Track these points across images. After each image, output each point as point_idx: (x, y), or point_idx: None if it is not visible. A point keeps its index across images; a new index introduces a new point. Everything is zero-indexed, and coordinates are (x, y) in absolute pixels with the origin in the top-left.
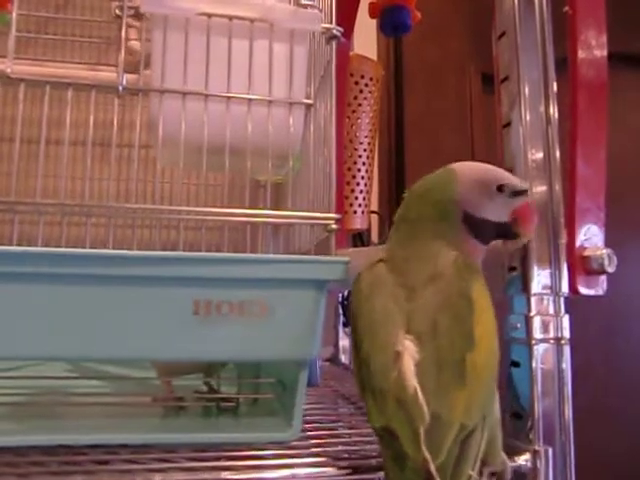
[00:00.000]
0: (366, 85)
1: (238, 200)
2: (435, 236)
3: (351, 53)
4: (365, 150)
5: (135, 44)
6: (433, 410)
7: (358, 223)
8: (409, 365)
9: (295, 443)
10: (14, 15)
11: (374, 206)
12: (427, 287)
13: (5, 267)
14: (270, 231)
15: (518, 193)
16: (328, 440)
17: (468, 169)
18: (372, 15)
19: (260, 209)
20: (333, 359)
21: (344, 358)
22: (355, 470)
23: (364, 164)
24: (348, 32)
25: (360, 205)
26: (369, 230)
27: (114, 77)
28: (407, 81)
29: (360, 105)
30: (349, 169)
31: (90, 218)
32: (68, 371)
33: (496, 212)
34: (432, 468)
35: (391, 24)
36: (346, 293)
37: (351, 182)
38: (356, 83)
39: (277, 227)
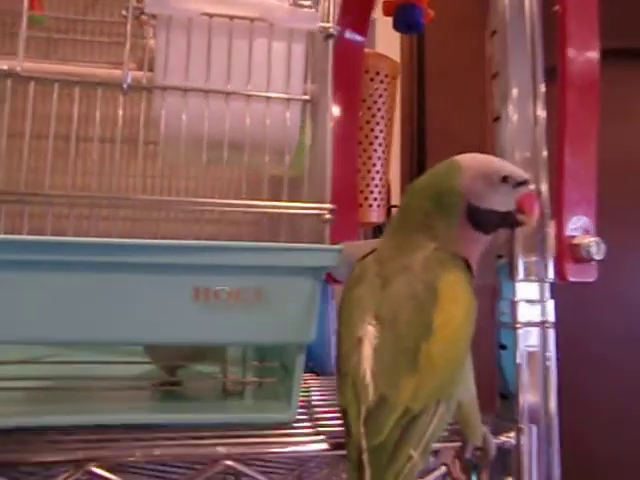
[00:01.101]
0: (381, 82)
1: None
2: (421, 230)
3: (367, 50)
4: (380, 145)
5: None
6: (381, 392)
7: (374, 217)
8: (366, 349)
9: (298, 424)
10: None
11: (396, 200)
12: (398, 277)
13: (22, 255)
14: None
15: (521, 183)
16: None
17: (472, 161)
18: (386, 13)
19: (260, 200)
20: None
21: None
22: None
23: (379, 159)
24: (363, 29)
25: (376, 199)
26: (389, 222)
27: (119, 74)
28: (429, 79)
29: (375, 102)
30: (364, 163)
31: (118, 210)
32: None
33: (501, 202)
34: (363, 445)
35: (404, 22)
36: None
37: (366, 177)
38: (371, 80)
39: (293, 221)
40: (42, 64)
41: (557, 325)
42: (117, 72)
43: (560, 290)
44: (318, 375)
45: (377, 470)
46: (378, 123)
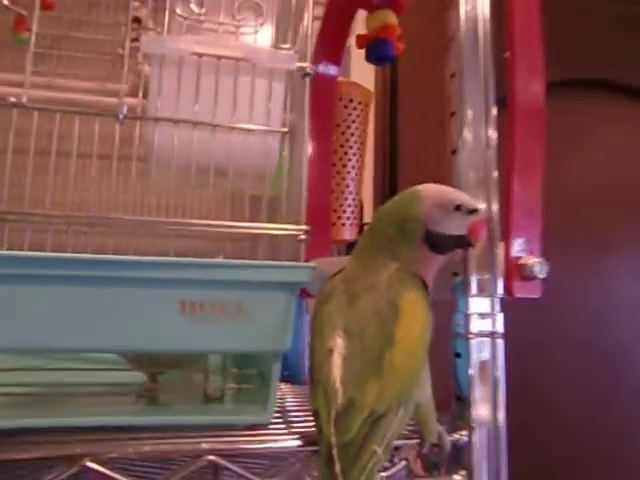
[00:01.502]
0: (355, 109)
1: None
2: (385, 252)
3: (342, 79)
4: (353, 167)
5: (144, 68)
6: (349, 396)
7: (347, 234)
8: (336, 359)
9: (274, 426)
10: (33, 38)
11: (368, 219)
12: (365, 295)
13: (19, 270)
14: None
15: (472, 211)
16: (304, 424)
17: (430, 191)
18: (359, 46)
19: (240, 221)
20: None
21: None
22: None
23: (352, 180)
24: (338, 60)
25: (349, 218)
26: None
27: (116, 103)
28: (401, 106)
29: (348, 127)
30: (338, 184)
31: (94, 227)
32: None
33: (454, 227)
34: (332, 442)
35: (375, 55)
36: None
37: (340, 197)
38: (345, 106)
39: (273, 238)
40: (44, 92)
41: (507, 336)
42: (113, 100)
43: (525, 303)
44: (292, 384)
45: (346, 464)
46: (351, 147)
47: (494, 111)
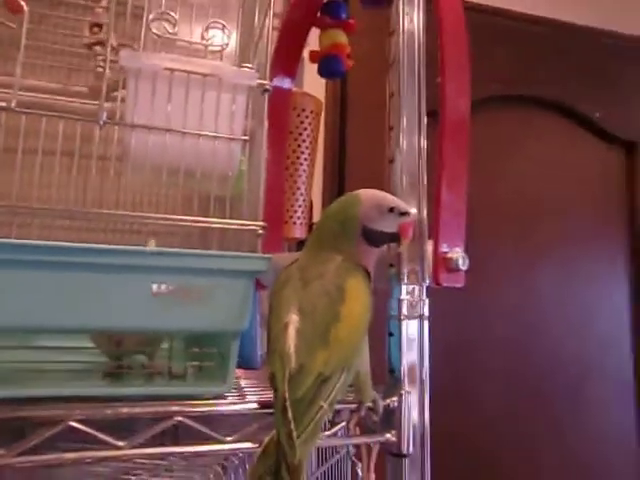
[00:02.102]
0: (306, 117)
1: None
2: (331, 246)
3: (295, 89)
4: (304, 171)
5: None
6: (301, 362)
7: (298, 232)
8: (291, 331)
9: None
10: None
11: (317, 218)
12: (316, 281)
13: (12, 255)
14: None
15: (403, 213)
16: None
17: (368, 194)
18: (312, 61)
19: (209, 217)
20: None
21: None
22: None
23: (303, 183)
24: (292, 74)
25: (299, 217)
26: None
27: (96, 109)
28: (349, 114)
29: (300, 134)
30: (290, 186)
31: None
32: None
33: (388, 226)
34: (286, 395)
35: (327, 70)
36: None
37: (291, 198)
38: (298, 115)
39: (223, 232)
40: (32, 98)
41: (430, 319)
42: (93, 107)
43: (451, 303)
44: (245, 369)
45: (297, 415)
46: (303, 152)
47: (425, 125)
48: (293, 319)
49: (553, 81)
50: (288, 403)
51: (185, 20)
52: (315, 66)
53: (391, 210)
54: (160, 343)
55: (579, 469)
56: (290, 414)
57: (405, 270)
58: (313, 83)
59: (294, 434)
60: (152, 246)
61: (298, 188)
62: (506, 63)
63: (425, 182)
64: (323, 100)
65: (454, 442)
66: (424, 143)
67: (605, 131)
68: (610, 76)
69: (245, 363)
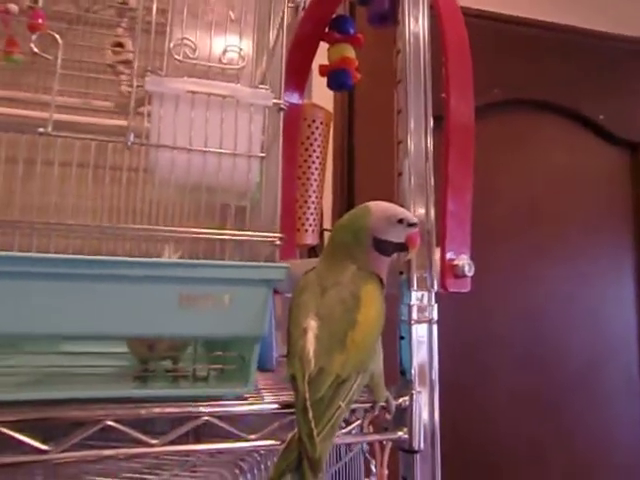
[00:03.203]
0: (317, 128)
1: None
2: (345, 256)
3: (305, 101)
4: (315, 180)
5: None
6: (320, 365)
7: (309, 239)
8: (310, 336)
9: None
10: (59, 64)
11: (328, 225)
12: (332, 289)
13: (50, 268)
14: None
15: (411, 224)
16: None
17: (378, 207)
18: (321, 74)
19: (227, 229)
20: None
21: None
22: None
23: (314, 192)
24: (301, 88)
25: (311, 225)
26: (321, 245)
27: (124, 127)
28: (357, 124)
29: (311, 144)
30: (301, 195)
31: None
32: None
33: (396, 236)
34: (306, 395)
35: (336, 83)
36: None
37: (303, 206)
38: (308, 126)
39: (241, 242)
40: (64, 116)
41: (440, 323)
42: (116, 123)
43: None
44: (261, 371)
45: (317, 415)
46: (313, 162)
47: (431, 141)
48: (312, 325)
49: (557, 84)
50: (309, 403)
51: (203, 43)
52: (323, 78)
53: (400, 221)
54: (186, 348)
55: (585, 463)
56: (311, 414)
57: (414, 277)
58: (322, 95)
59: (314, 432)
60: (174, 255)
61: (309, 196)
62: (510, 68)
63: (433, 193)
64: (332, 111)
65: (462, 439)
66: (431, 156)
67: (609, 133)
68: (614, 78)
69: (261, 365)
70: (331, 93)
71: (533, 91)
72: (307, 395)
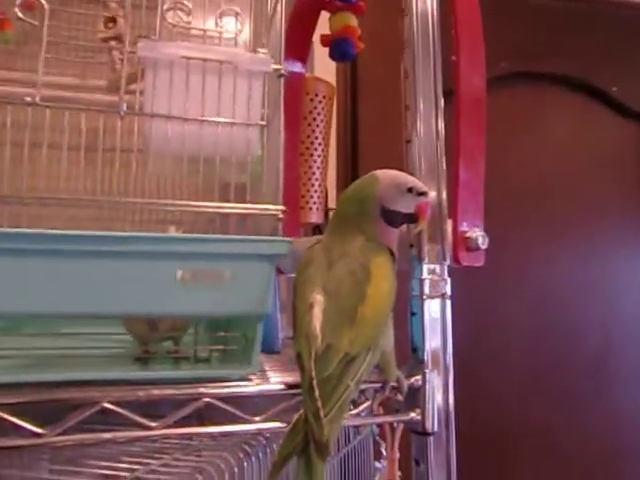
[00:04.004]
0: (320, 102)
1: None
2: (353, 227)
3: (308, 75)
4: (319, 156)
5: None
6: (328, 342)
7: (314, 217)
8: (317, 312)
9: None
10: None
11: (332, 204)
12: (340, 261)
13: (42, 245)
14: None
15: (421, 193)
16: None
17: (386, 175)
18: (323, 44)
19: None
20: None
21: None
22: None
23: (318, 168)
24: (304, 59)
25: (315, 203)
26: (327, 224)
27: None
28: (361, 98)
29: (314, 119)
30: (305, 172)
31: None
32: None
33: (405, 206)
34: (313, 374)
35: (338, 53)
36: None
37: (307, 183)
38: (311, 100)
39: (244, 217)
40: (55, 92)
41: (453, 299)
42: (114, 99)
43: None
44: (266, 353)
45: (324, 394)
46: (317, 137)
47: (442, 105)
48: (318, 299)
49: (568, 56)
50: (315, 382)
51: (198, 8)
52: (325, 51)
53: (409, 190)
54: (189, 327)
55: (598, 449)
56: (317, 393)
57: (426, 250)
58: (323, 68)
59: (321, 412)
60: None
61: (313, 173)
62: (519, 39)
63: (444, 161)
64: (334, 85)
65: (473, 422)
66: (441, 122)
67: (623, 105)
68: (628, 48)
69: (266, 347)
70: (333, 67)
71: (542, 63)
72: (313, 373)
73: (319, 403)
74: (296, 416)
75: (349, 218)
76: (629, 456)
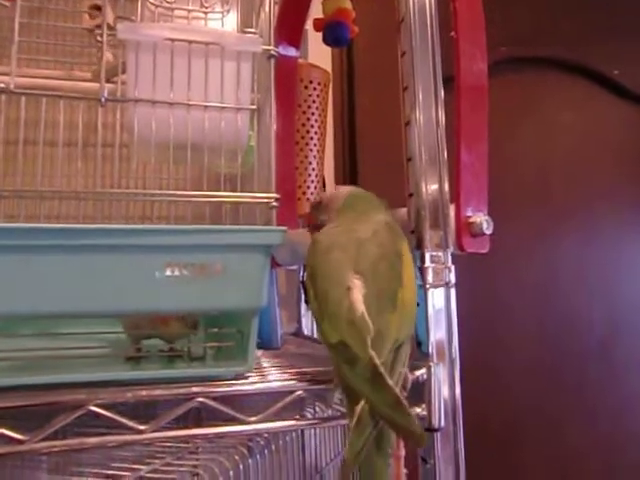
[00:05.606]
0: (314, 89)
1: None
2: (373, 209)
3: (301, 61)
4: (315, 145)
5: (108, 55)
6: (378, 328)
7: None
8: (358, 296)
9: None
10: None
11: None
12: (368, 242)
13: (15, 240)
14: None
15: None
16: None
17: None
18: (316, 29)
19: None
20: (297, 333)
21: (306, 331)
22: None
23: (315, 157)
24: (297, 43)
25: (312, 193)
26: None
27: (97, 88)
28: (358, 84)
29: (309, 107)
30: (301, 161)
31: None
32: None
33: None
34: (377, 362)
35: (332, 37)
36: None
37: (303, 173)
38: (305, 87)
39: (237, 209)
40: (31, 79)
41: (458, 288)
42: (94, 85)
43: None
44: (265, 349)
45: None
46: (312, 125)
47: (441, 87)
48: (356, 283)
49: (568, 39)
50: (382, 369)
51: None
52: (319, 37)
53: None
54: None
55: (606, 438)
56: (389, 380)
57: (427, 236)
58: (318, 54)
59: (403, 400)
60: None
61: (310, 163)
62: (519, 24)
63: (444, 143)
64: (330, 71)
65: (479, 415)
66: (441, 102)
67: (625, 89)
68: (628, 32)
69: (265, 344)
70: (328, 53)
71: (541, 47)
72: (378, 361)
73: (397, 390)
74: (359, 409)
75: (365, 206)
76: (636, 445)
